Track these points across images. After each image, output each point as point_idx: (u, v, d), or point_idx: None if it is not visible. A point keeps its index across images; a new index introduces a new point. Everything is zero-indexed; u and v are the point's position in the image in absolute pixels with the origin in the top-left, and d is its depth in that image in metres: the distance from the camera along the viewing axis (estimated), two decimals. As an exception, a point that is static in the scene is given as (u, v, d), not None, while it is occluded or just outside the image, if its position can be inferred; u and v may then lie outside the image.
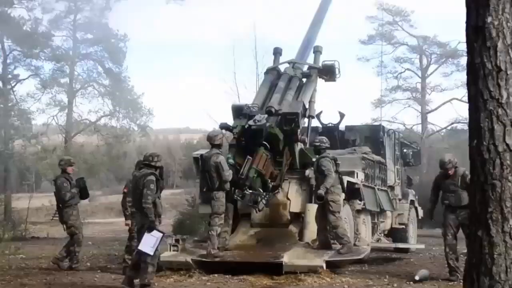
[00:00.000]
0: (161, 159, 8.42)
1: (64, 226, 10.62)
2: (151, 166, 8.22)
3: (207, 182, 9.70)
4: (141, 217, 8.09)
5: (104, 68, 31.97)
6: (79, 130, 31.90)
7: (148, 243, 7.97)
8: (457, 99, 36.03)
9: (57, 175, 11.14)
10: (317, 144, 9.98)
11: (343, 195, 10.25)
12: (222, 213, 9.66)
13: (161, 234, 8.09)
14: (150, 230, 7.95)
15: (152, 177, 8.03)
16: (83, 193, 10.79)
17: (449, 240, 9.10)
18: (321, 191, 9.47)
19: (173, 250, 9.94)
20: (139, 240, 8.13)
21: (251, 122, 10.33)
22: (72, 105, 31.13)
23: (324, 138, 10.12)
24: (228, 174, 9.61)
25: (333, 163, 9.75)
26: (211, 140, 9.82)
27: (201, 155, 10.07)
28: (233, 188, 9.80)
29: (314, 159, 10.57)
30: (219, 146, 9.78)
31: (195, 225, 21.80)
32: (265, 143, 10.21)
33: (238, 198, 9.86)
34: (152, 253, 7.99)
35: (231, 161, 10.06)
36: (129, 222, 9.93)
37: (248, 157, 10.03)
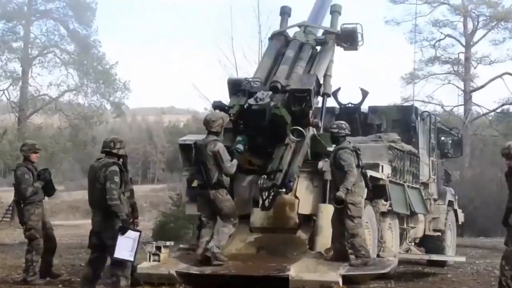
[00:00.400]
0: (125, 146, 8.44)
1: (24, 227, 10.64)
2: (113, 154, 8.23)
3: (202, 177, 9.73)
4: (103, 218, 8.10)
5: (68, 29, 31.95)
6: (36, 109, 31.92)
7: (124, 248, 8.01)
8: (510, 73, 35.94)
9: (18, 164, 11.15)
10: (335, 130, 9.96)
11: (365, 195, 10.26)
12: (234, 213, 9.84)
13: (138, 234, 8.15)
14: (123, 231, 7.98)
15: (116, 168, 8.08)
16: (48, 188, 10.80)
17: (509, 252, 9.01)
18: (341, 193, 9.45)
19: (153, 260, 9.96)
20: (104, 248, 8.18)
21: (251, 101, 10.32)
22: (27, 76, 31.11)
23: (344, 123, 10.10)
24: (230, 165, 9.64)
25: (354, 155, 9.73)
26: (209, 126, 9.86)
27: (195, 142, 10.09)
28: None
29: (330, 149, 10.57)
30: (217, 134, 9.81)
31: (181, 229, 21.87)
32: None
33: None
34: (132, 258, 8.09)
35: (239, 146, 10.09)
36: None
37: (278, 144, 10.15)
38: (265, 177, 9.77)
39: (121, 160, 8.34)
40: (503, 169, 9.49)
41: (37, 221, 10.57)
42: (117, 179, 8.02)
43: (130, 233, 8.05)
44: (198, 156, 9.78)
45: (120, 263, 8.02)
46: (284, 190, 9.99)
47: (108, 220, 8.05)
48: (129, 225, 8.16)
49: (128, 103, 33.61)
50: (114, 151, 8.26)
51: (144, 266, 9.88)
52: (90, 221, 9.00)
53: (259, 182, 9.81)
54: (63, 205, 52.92)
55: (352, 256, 9.73)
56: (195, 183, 11.17)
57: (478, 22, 37.29)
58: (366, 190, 9.96)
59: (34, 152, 10.80)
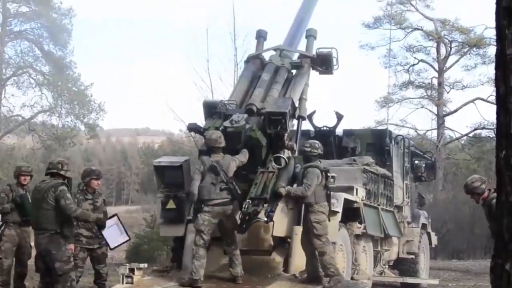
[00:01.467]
0: (70, 169, 8.52)
1: None
2: (60, 176, 8.22)
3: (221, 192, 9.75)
4: (50, 239, 8.03)
5: (43, 50, 31.76)
6: (9, 129, 31.61)
7: (114, 236, 8.25)
8: (482, 99, 36.34)
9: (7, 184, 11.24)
10: (308, 149, 10.02)
11: (338, 217, 10.28)
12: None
13: (115, 217, 8.41)
14: (101, 227, 8.31)
15: (65, 188, 8.13)
16: (22, 212, 10.68)
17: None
18: (282, 189, 9.55)
19: (127, 283, 9.86)
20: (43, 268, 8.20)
21: (226, 124, 10.32)
22: (0, 97, 30.86)
23: (317, 143, 10.16)
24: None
25: (323, 176, 9.78)
26: (217, 143, 9.86)
27: (202, 159, 10.04)
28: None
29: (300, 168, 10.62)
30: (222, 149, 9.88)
31: (154, 250, 21.74)
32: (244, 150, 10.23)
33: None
34: (127, 237, 9.04)
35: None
36: (72, 246, 9.89)
37: (261, 169, 10.14)
38: (250, 202, 9.73)
39: (66, 181, 8.39)
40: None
41: (5, 241, 10.49)
42: (69, 195, 8.04)
43: (109, 222, 8.26)
44: (212, 173, 9.75)
45: (61, 277, 7.89)
46: (265, 219, 9.99)
47: (56, 240, 7.96)
48: (102, 221, 8.34)
49: (102, 123, 33.46)
50: (62, 172, 8.26)
51: (117, 289, 9.80)
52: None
53: (243, 206, 9.75)
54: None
55: (325, 279, 9.73)
56: (170, 205, 11.14)
57: (451, 48, 37.73)
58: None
59: (20, 174, 10.78)
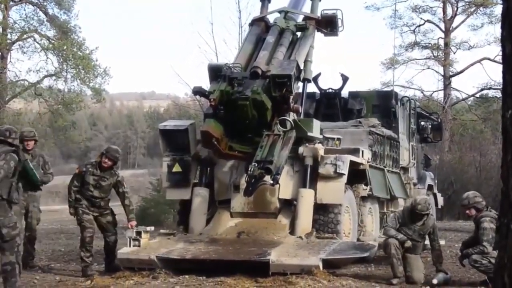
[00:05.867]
0: (18, 138, 8.33)
1: None
2: (7, 144, 8.09)
3: None
4: None
5: (48, 14, 31.59)
6: (15, 94, 31.60)
7: None
8: (489, 59, 36.08)
9: None
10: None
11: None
12: None
13: None
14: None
15: (15, 155, 7.87)
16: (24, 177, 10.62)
17: None
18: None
19: (134, 246, 9.95)
20: None
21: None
22: (6, 61, 30.79)
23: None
24: None
25: None
26: None
27: None
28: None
29: (310, 134, 10.60)
30: None
31: (161, 214, 21.88)
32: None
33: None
34: None
35: None
36: (71, 211, 10.09)
37: (266, 132, 10.13)
38: (256, 164, 9.71)
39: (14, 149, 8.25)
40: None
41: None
42: (12, 164, 7.87)
43: None
44: None
45: (7, 243, 7.80)
46: (271, 182, 9.99)
47: (2, 207, 7.90)
48: (13, 203, 7.95)
49: (108, 88, 33.31)
50: (9, 140, 8.12)
51: (124, 252, 9.87)
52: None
53: (249, 169, 9.75)
54: (43, 190, 52.60)
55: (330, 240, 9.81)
56: (176, 168, 11.18)
57: (457, 8, 37.35)
58: None
59: (23, 139, 10.33)
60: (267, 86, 10.32)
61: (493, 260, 8.07)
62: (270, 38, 11.34)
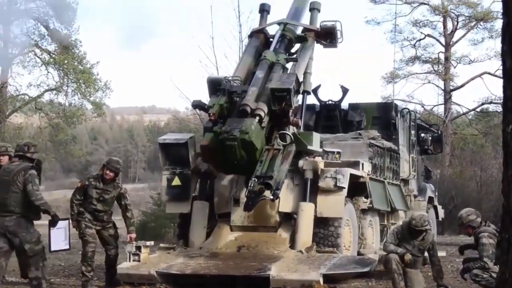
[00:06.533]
0: (38, 151, 8.44)
1: None
2: (27, 159, 8.16)
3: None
4: (18, 222, 8.04)
5: (48, 29, 31.67)
6: (16, 108, 31.64)
7: (58, 239, 8.54)
8: (489, 73, 36.14)
9: None
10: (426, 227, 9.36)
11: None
12: None
13: (67, 221, 8.65)
14: (54, 224, 8.32)
15: (34, 172, 8.09)
16: None
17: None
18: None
19: (134, 260, 9.91)
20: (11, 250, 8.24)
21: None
22: (6, 76, 30.85)
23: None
24: None
25: None
26: None
27: None
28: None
29: (310, 147, 10.57)
30: None
31: (161, 228, 21.82)
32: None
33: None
34: (68, 246, 8.79)
35: None
36: (74, 223, 9.95)
37: (266, 146, 10.07)
38: (256, 180, 9.66)
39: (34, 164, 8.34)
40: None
41: None
42: (37, 181, 8.00)
43: (61, 223, 8.47)
44: None
45: (32, 258, 8.03)
46: (271, 197, 9.93)
47: (23, 223, 7.97)
48: (58, 218, 8.31)
49: (109, 102, 33.34)
50: (28, 154, 8.20)
51: (124, 266, 9.82)
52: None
53: (249, 184, 9.69)
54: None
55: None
56: (175, 182, 11.14)
57: (457, 22, 37.44)
58: None
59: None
60: (256, 125, 10.13)
61: (494, 275, 8.03)
62: (260, 73, 10.96)
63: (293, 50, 11.83)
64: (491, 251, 8.48)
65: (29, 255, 7.92)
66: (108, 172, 9.94)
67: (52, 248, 8.58)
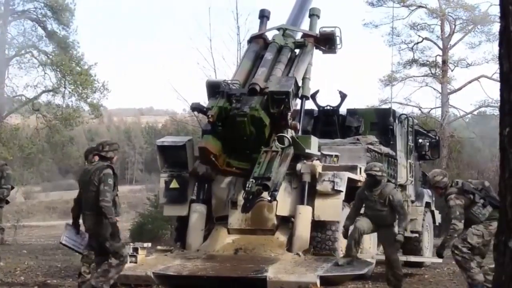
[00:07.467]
0: (116, 148, 8.45)
1: None
2: (103, 157, 8.24)
3: None
4: (97, 220, 8.10)
5: (46, 30, 31.65)
6: (13, 109, 31.59)
7: (76, 238, 8.68)
8: (486, 76, 36.15)
9: None
10: (378, 173, 9.51)
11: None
12: None
13: (86, 236, 8.62)
14: (114, 235, 8.13)
15: (110, 171, 8.13)
16: None
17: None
18: (401, 237, 9.33)
19: (131, 262, 9.91)
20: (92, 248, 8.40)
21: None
22: (3, 77, 30.81)
23: (383, 166, 10.01)
24: None
25: None
26: None
27: None
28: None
29: (308, 151, 10.60)
30: None
31: (158, 230, 21.79)
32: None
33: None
34: (80, 250, 8.96)
35: None
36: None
37: (264, 149, 10.12)
38: (253, 181, 9.72)
39: (111, 162, 8.37)
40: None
41: None
42: (110, 181, 8.07)
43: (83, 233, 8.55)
44: None
45: (116, 254, 8.14)
46: (269, 199, 9.99)
47: (101, 221, 8.06)
48: (117, 229, 8.19)
49: (106, 103, 33.31)
50: (103, 153, 8.28)
51: (122, 268, 9.83)
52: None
53: (247, 186, 9.75)
54: (40, 206, 52.52)
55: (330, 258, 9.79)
56: (173, 184, 11.18)
57: (455, 26, 37.44)
58: None
59: None
60: (265, 102, 10.35)
61: (475, 261, 8.31)
62: (269, 55, 11.39)
63: (292, 56, 11.87)
64: (458, 212, 8.54)
65: (111, 251, 8.06)
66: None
67: (61, 241, 8.75)
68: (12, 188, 11.13)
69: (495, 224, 8.37)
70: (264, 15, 12.56)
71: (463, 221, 8.44)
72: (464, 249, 8.55)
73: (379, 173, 9.33)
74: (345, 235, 9.62)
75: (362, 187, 9.75)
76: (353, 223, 9.45)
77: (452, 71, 37.81)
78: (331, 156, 11.35)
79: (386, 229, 9.42)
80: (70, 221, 8.91)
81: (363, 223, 9.41)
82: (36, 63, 31.16)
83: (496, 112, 33.27)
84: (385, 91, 37.28)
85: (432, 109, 37.94)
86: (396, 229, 9.41)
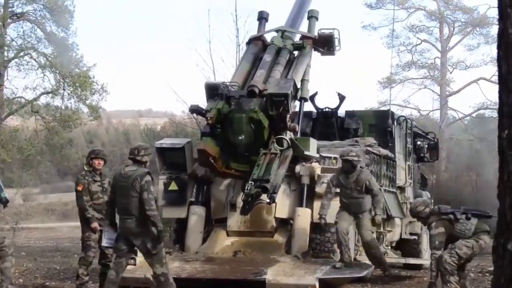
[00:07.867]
0: (151, 152, 8.47)
1: None
2: (137, 162, 8.26)
3: None
4: (138, 224, 8.13)
5: (45, 32, 31.64)
6: (12, 111, 31.58)
7: (111, 237, 8.64)
8: (485, 79, 36.23)
9: None
10: (355, 158, 10.15)
11: None
12: None
13: None
14: (159, 239, 8.19)
15: (150, 178, 8.18)
16: None
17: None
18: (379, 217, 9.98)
19: (130, 264, 9.89)
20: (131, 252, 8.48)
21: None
22: (3, 78, 30.81)
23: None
24: None
25: None
26: None
27: None
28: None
29: (307, 153, 10.60)
30: None
31: (157, 232, 21.74)
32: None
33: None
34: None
35: None
36: (96, 225, 9.70)
37: (263, 151, 10.11)
38: (252, 183, 9.71)
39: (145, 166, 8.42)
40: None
41: None
42: (152, 189, 8.13)
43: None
44: None
45: (156, 255, 8.23)
46: (268, 201, 9.98)
47: (143, 224, 8.09)
48: (163, 237, 8.32)
49: (105, 105, 33.29)
50: (138, 158, 8.28)
51: (120, 270, 9.81)
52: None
53: (246, 188, 9.75)
54: (38, 208, 52.35)
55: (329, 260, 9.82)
56: (172, 187, 11.18)
57: (453, 28, 37.53)
58: None
59: None
60: (264, 104, 10.36)
61: (447, 266, 8.34)
62: (267, 57, 11.39)
63: (291, 57, 11.88)
64: (437, 241, 8.61)
65: (152, 253, 8.06)
66: (99, 161, 9.88)
67: (105, 244, 8.87)
68: None
69: (485, 238, 8.44)
70: (262, 17, 12.57)
71: (442, 249, 8.54)
72: (452, 259, 8.49)
73: (356, 158, 9.72)
74: (325, 224, 10.14)
75: (335, 174, 10.18)
76: (327, 210, 10.01)
77: (450, 73, 37.90)
78: (330, 158, 11.34)
79: (362, 214, 9.94)
80: (106, 223, 8.90)
81: (342, 223, 9.80)
82: (35, 65, 31.17)
83: (495, 114, 33.25)
84: (384, 93, 37.45)
85: (430, 111, 38.05)
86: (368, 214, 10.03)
